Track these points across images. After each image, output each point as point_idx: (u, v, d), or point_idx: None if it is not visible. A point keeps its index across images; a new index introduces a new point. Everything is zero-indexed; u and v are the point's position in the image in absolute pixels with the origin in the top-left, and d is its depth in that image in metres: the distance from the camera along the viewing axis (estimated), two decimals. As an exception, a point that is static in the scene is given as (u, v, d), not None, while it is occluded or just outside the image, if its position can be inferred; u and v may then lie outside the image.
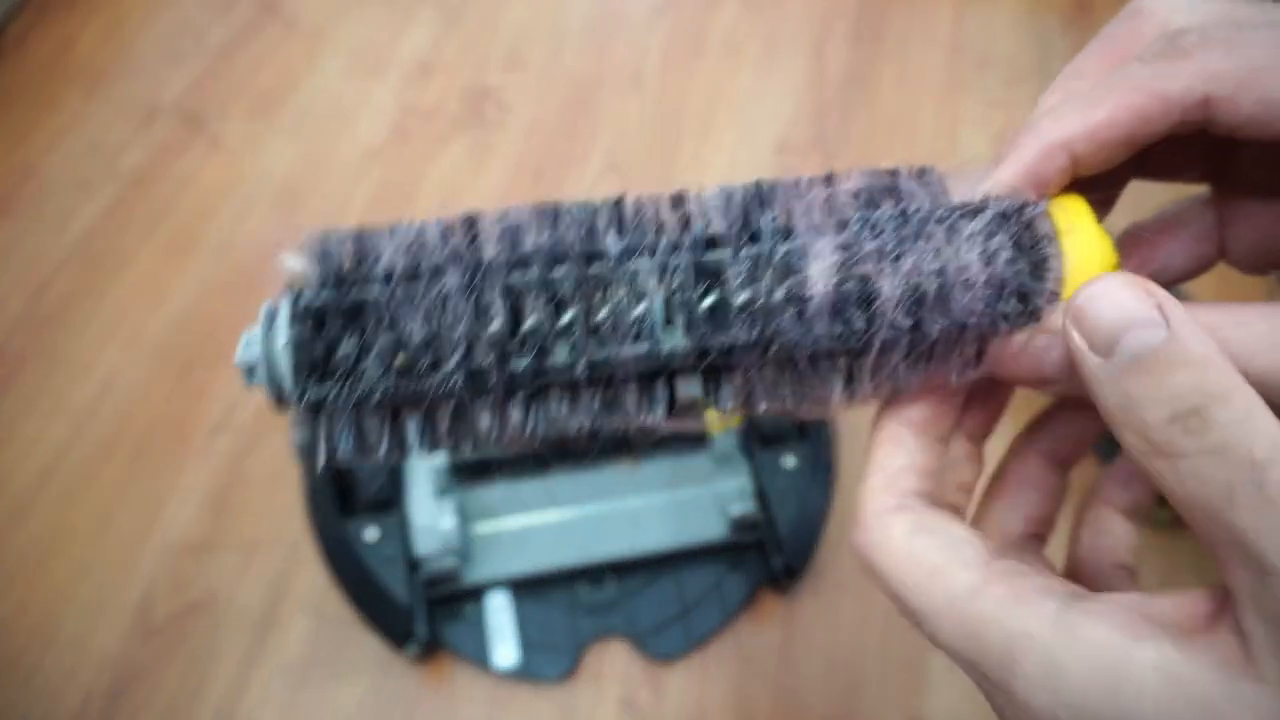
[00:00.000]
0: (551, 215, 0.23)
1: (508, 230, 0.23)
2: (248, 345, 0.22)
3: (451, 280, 0.22)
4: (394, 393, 0.22)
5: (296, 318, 0.22)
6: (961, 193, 0.25)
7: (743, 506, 0.59)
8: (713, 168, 0.79)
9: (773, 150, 0.80)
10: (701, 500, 0.60)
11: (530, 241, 0.23)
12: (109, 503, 0.62)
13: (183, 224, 0.75)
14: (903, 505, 0.24)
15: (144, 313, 0.70)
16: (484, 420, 0.23)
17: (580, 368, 0.22)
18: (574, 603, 0.58)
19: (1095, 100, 0.22)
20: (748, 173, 0.82)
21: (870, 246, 0.22)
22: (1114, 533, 0.28)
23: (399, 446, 0.23)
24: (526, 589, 0.58)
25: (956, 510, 0.28)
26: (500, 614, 0.57)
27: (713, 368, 0.23)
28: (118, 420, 0.65)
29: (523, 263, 0.22)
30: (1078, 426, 0.28)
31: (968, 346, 0.24)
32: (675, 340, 0.22)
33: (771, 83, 0.85)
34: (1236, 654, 0.19)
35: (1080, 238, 0.23)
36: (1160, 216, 0.27)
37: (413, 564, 0.56)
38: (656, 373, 0.23)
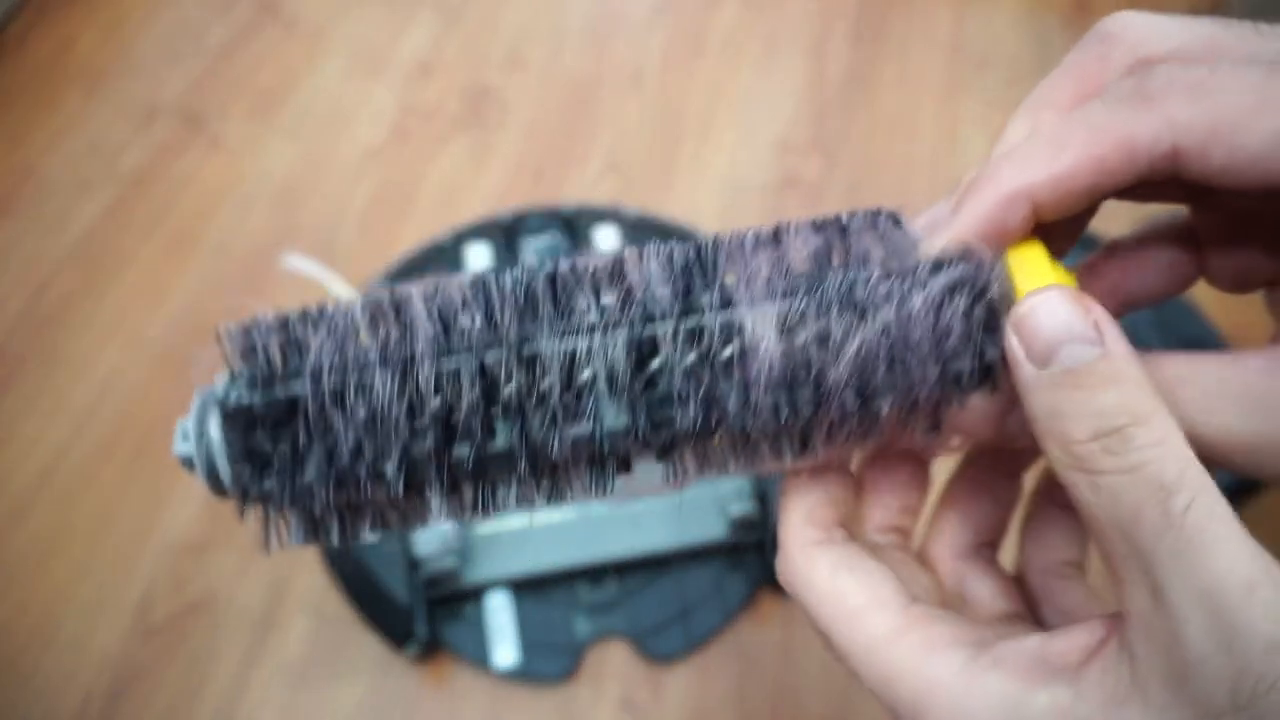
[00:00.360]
0: (483, 294, 0.22)
1: (438, 313, 0.22)
2: (183, 438, 0.22)
3: (383, 383, 0.21)
4: (335, 497, 0.22)
5: (228, 420, 0.21)
6: (919, 226, 0.24)
7: (742, 506, 0.59)
8: (713, 168, 0.79)
9: (773, 150, 0.80)
10: (701, 500, 0.60)
11: (463, 324, 0.22)
12: (109, 503, 0.62)
13: (183, 224, 0.75)
14: (828, 539, 0.25)
15: (144, 313, 0.70)
16: (433, 508, 0.23)
17: (521, 464, 0.22)
18: (574, 603, 0.58)
19: (1058, 146, 0.21)
20: (748, 172, 0.82)
21: (817, 328, 0.21)
22: (1061, 530, 0.28)
23: (352, 532, 0.23)
24: (526, 589, 0.58)
25: (902, 533, 0.28)
26: (500, 614, 0.57)
27: (659, 445, 0.23)
28: (118, 420, 0.65)
29: (457, 351, 0.21)
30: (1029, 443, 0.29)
31: (923, 415, 0.24)
32: (616, 423, 0.22)
33: (771, 83, 0.85)
34: (1125, 681, 0.19)
35: None
36: (1138, 234, 0.27)
37: (413, 564, 0.56)
38: (601, 452, 0.22)
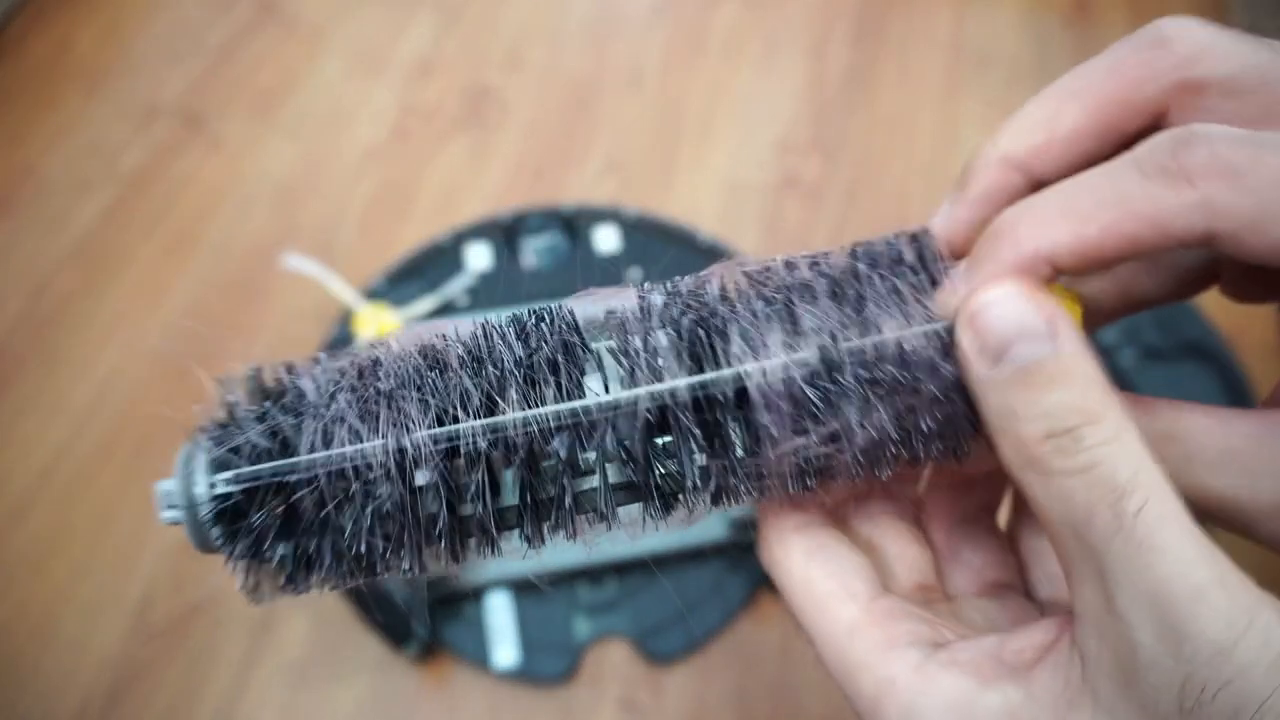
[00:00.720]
0: (484, 377, 0.21)
1: (435, 411, 0.21)
2: (169, 505, 0.21)
3: (388, 493, 0.20)
4: (343, 583, 0.22)
5: (223, 520, 0.21)
6: (935, 225, 0.24)
7: (742, 507, 0.59)
8: (713, 168, 0.79)
9: (773, 150, 0.80)
10: (701, 500, 0.60)
11: (462, 417, 0.21)
12: (109, 503, 0.62)
13: (183, 224, 0.75)
14: (806, 523, 0.25)
15: (144, 313, 0.70)
16: (439, 563, 0.23)
17: (527, 525, 0.22)
18: (574, 603, 0.58)
19: (1086, 214, 0.20)
20: (748, 172, 0.82)
21: (829, 421, 0.21)
22: None
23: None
24: (526, 589, 0.58)
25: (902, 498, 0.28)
26: (500, 614, 0.57)
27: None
28: (118, 420, 0.65)
29: (462, 438, 0.21)
30: None
31: (924, 468, 0.25)
32: (621, 479, 0.22)
33: (771, 83, 0.85)
34: (1075, 682, 0.19)
35: None
36: None
37: (413, 564, 0.56)
38: (608, 510, 0.23)
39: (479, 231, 0.72)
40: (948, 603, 0.27)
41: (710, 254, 0.71)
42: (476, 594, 0.57)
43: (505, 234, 0.72)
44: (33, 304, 0.70)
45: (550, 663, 0.56)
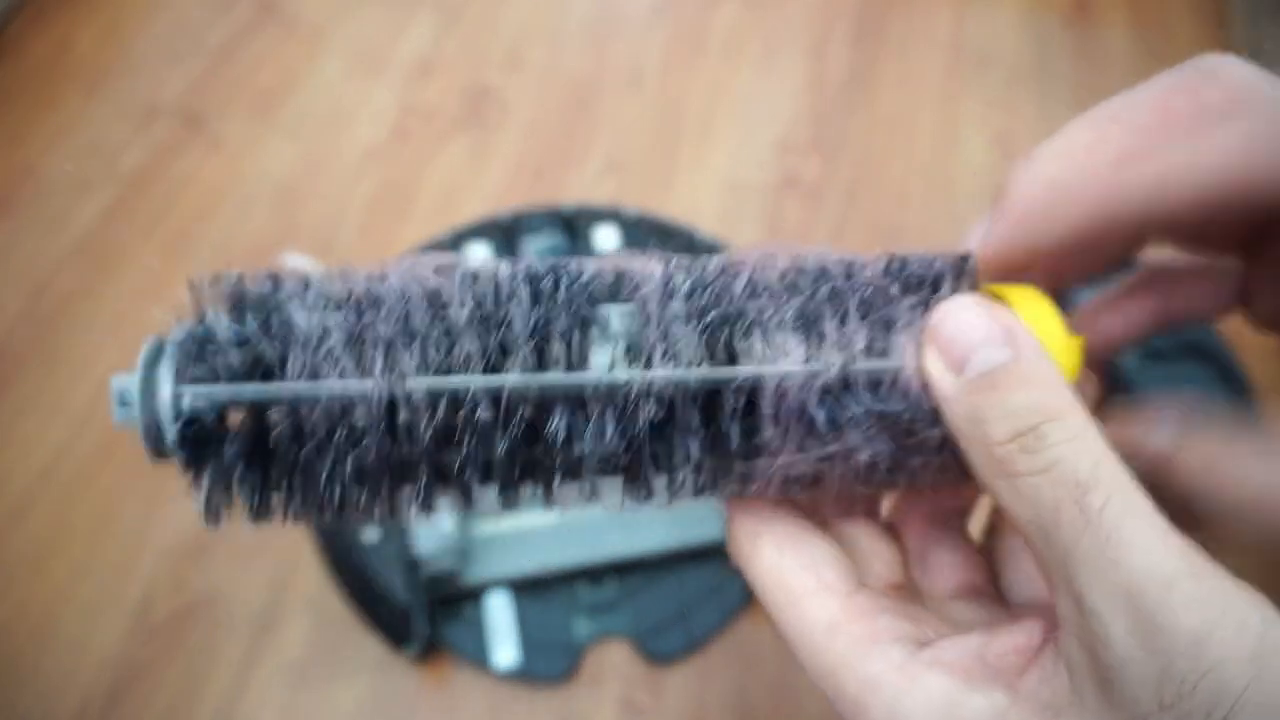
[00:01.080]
0: (485, 318, 0.21)
1: (438, 347, 0.21)
2: (123, 402, 0.20)
3: (372, 440, 0.20)
4: (308, 519, 0.21)
5: (187, 435, 0.20)
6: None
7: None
8: (713, 168, 0.79)
9: (773, 150, 0.80)
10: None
11: (467, 350, 0.20)
12: (109, 503, 0.62)
13: (183, 224, 0.75)
14: (774, 514, 0.25)
15: (144, 313, 0.70)
16: (409, 512, 0.22)
17: (507, 491, 0.22)
18: (574, 603, 0.58)
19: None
20: (748, 172, 0.81)
21: (832, 448, 0.22)
22: None
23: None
24: (526, 589, 0.58)
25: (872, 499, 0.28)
26: (500, 614, 0.57)
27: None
28: (118, 420, 0.65)
29: (463, 396, 0.20)
30: None
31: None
32: (611, 458, 0.22)
33: (771, 83, 0.85)
34: (1063, 687, 0.19)
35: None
36: (1188, 260, 0.27)
37: (412, 564, 0.56)
38: (592, 480, 0.22)
39: (479, 231, 0.72)
40: (922, 602, 0.26)
41: (710, 254, 0.71)
42: (476, 594, 0.57)
43: (505, 234, 0.72)
44: (33, 304, 0.70)
45: (550, 663, 0.56)
